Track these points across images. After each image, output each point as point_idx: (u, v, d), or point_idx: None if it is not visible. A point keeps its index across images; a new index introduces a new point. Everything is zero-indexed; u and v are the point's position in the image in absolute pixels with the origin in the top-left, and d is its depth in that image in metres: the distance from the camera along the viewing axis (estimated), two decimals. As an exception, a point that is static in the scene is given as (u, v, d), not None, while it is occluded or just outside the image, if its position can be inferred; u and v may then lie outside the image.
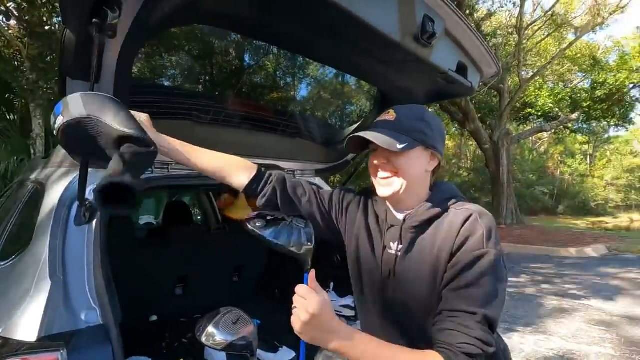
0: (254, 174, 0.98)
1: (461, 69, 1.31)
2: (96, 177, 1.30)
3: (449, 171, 21.54)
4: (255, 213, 0.91)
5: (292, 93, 1.99)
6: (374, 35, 0.94)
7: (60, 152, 1.52)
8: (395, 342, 0.77)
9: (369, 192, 0.99)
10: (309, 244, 0.85)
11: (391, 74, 1.38)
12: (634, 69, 11.35)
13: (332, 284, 2.16)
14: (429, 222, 0.82)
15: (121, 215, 1.86)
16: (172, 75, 1.60)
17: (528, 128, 14.82)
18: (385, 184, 0.84)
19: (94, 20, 0.73)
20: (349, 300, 2.13)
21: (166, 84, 1.55)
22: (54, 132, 0.73)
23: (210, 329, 0.75)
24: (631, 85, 11.82)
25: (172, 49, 1.49)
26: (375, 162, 0.85)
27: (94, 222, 1.12)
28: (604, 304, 4.58)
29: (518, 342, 3.49)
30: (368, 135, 0.81)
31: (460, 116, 11.78)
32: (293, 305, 0.71)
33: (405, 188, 0.83)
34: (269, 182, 0.98)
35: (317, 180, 2.19)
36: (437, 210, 0.82)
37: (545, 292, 5.16)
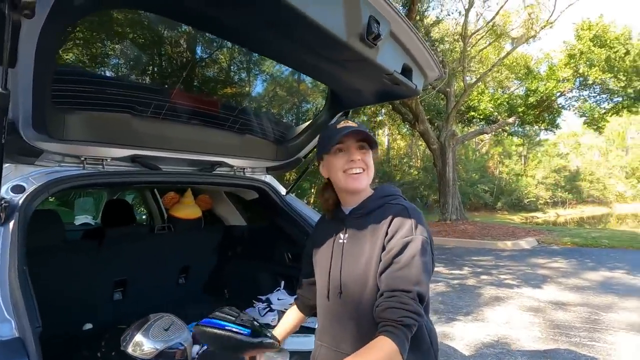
0: (300, 312, 1.22)
1: (406, 71, 1.35)
2: (14, 174, 1.17)
3: (400, 170, 22.39)
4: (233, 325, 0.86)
5: (242, 89, 1.93)
6: (321, 33, 0.94)
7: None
8: (345, 325, 0.95)
9: (320, 218, 1.22)
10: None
11: (340, 73, 1.39)
12: (560, 79, 12.61)
13: (282, 282, 2.15)
14: (369, 213, 0.98)
15: (48, 215, 1.69)
16: (112, 64, 1.48)
17: (472, 130, 15.86)
18: (358, 178, 0.98)
19: (4, -5, 0.65)
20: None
21: (103, 72, 1.43)
22: None
23: (139, 337, 0.70)
24: (558, 94, 13.13)
25: (113, 36, 1.37)
26: (353, 158, 0.97)
27: (11, 222, 1.00)
28: (533, 292, 5.05)
29: (460, 329, 3.73)
30: (358, 129, 0.96)
31: (410, 117, 12.29)
32: None
33: (368, 182, 1.01)
34: (305, 302, 1.19)
35: (269, 179, 2.16)
36: (376, 204, 0.99)
37: (484, 283, 5.57)
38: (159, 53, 1.43)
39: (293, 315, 1.22)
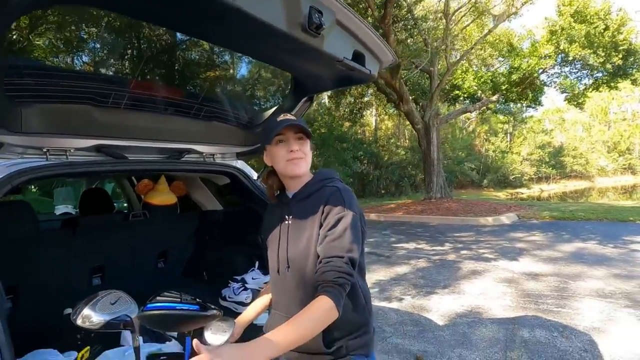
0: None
1: (358, 57, 1.41)
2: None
3: (388, 150, 22.49)
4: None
5: (206, 76, 1.96)
6: (260, 25, 0.98)
7: None
8: (294, 293, 1.08)
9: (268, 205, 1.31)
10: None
11: (296, 61, 1.44)
12: (542, 55, 12.69)
13: (257, 263, 2.24)
14: (309, 195, 1.11)
15: (19, 206, 1.73)
16: (68, 56, 1.49)
17: (458, 108, 15.96)
18: (298, 163, 1.10)
19: None
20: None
21: (58, 64, 1.44)
22: None
23: (87, 311, 0.78)
24: (540, 71, 13.23)
25: (67, 28, 1.39)
26: (292, 149, 1.08)
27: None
28: (510, 264, 5.29)
29: (436, 302, 3.92)
30: (295, 122, 1.07)
31: (395, 97, 12.30)
32: None
33: (307, 168, 1.13)
34: None
35: (240, 164, 2.21)
36: (315, 187, 1.11)
37: (463, 258, 5.79)
38: (117, 43, 1.45)
39: (265, 297, 1.32)
